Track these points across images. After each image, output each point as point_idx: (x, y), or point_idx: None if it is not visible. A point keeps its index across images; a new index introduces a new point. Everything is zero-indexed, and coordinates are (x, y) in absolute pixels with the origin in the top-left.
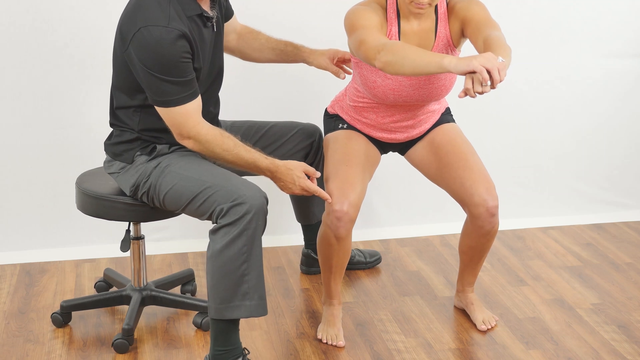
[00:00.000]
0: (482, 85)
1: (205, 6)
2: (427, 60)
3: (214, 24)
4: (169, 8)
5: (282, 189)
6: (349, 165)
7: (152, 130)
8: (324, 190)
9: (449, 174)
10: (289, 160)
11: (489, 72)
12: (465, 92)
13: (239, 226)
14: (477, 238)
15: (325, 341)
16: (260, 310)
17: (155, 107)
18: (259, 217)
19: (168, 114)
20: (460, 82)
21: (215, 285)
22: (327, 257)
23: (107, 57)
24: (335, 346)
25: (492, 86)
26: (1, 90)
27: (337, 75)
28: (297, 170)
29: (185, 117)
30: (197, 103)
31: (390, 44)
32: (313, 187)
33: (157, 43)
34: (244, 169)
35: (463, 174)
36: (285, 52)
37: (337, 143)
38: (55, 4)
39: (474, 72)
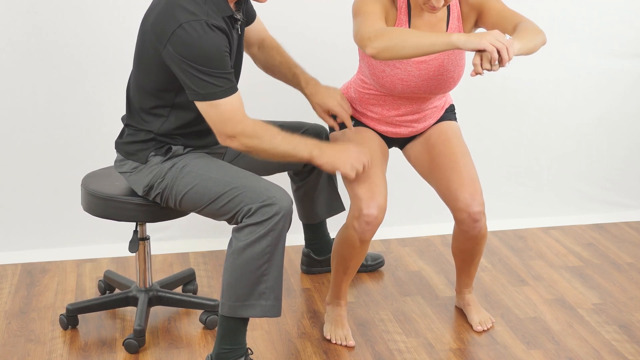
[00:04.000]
0: (491, 64)
1: (234, 8)
2: (432, 39)
3: (240, 27)
4: (205, 6)
5: (329, 171)
6: (369, 166)
7: (172, 131)
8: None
9: (437, 175)
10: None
11: (498, 52)
12: (474, 69)
13: (266, 226)
14: (464, 242)
15: (335, 342)
16: (275, 311)
17: (199, 103)
18: (286, 219)
19: (213, 109)
20: (465, 80)
21: (232, 282)
22: (345, 259)
23: (108, 57)
24: (346, 346)
25: (502, 64)
26: (2, 91)
27: (332, 125)
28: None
29: (230, 114)
30: (239, 97)
31: (384, 30)
32: (368, 159)
33: (201, 37)
34: (288, 157)
35: (450, 177)
36: (289, 81)
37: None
38: (56, 4)
39: (483, 51)
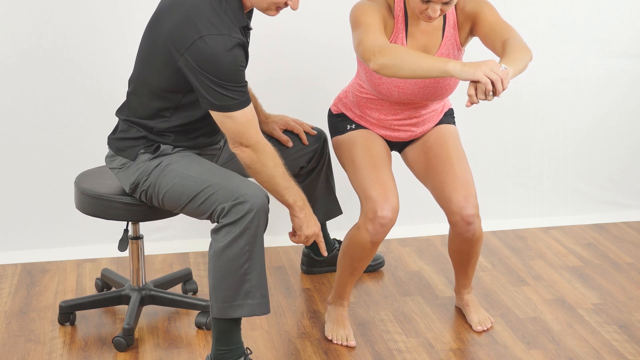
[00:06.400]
0: (485, 95)
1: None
2: (428, 65)
3: (249, 34)
4: (226, 17)
5: (295, 226)
6: (380, 168)
7: (167, 130)
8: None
9: (432, 178)
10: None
11: (493, 83)
12: (469, 99)
13: (241, 225)
14: (460, 244)
15: (336, 341)
16: (263, 308)
17: (214, 112)
18: (260, 216)
19: (229, 120)
20: (464, 83)
21: (217, 284)
22: (354, 260)
23: (108, 57)
24: (347, 346)
25: (496, 94)
26: (3, 91)
27: (285, 144)
28: (311, 216)
29: (246, 126)
30: (252, 109)
31: (387, 47)
32: (322, 239)
33: (221, 51)
34: (278, 191)
35: (445, 179)
36: None
37: (357, 146)
38: (55, 5)
39: (478, 81)
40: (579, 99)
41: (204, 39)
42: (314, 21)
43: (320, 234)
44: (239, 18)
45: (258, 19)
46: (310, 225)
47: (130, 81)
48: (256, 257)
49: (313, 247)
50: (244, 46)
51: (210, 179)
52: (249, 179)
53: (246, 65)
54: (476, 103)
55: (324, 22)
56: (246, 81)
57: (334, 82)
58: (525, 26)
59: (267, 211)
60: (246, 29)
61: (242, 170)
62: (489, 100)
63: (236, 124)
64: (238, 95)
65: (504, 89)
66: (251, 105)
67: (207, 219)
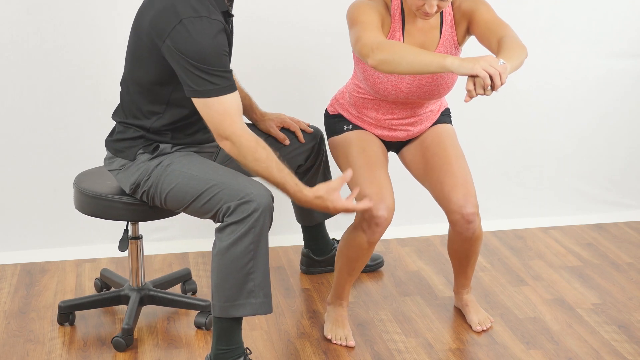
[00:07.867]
0: (484, 89)
1: (227, 3)
2: (427, 60)
3: (232, 22)
4: (207, 2)
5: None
6: (375, 168)
7: (163, 128)
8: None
9: (431, 177)
10: (316, 187)
11: (491, 77)
12: (468, 94)
13: (246, 224)
14: (459, 243)
15: (335, 342)
16: (266, 307)
17: (195, 100)
18: (265, 215)
19: (208, 108)
20: (462, 82)
21: (220, 283)
22: (351, 260)
23: (107, 57)
24: (346, 346)
25: (494, 89)
26: (3, 91)
27: (282, 142)
28: (328, 195)
29: (223, 115)
30: (235, 98)
31: (385, 43)
32: (351, 205)
33: (201, 34)
34: (271, 185)
35: (444, 178)
36: (245, 110)
37: (353, 147)
38: (55, 5)
39: (476, 76)
40: (579, 99)
41: (183, 23)
42: (314, 19)
43: (347, 204)
44: (219, 3)
45: (258, 16)
46: (320, 207)
47: (122, 82)
48: (260, 256)
49: (312, 247)
50: (225, 31)
51: (214, 177)
52: (254, 178)
53: (229, 51)
54: (474, 97)
55: (323, 21)
56: (230, 69)
57: (331, 83)
58: (525, 26)
59: (272, 210)
60: (227, 15)
61: (241, 168)
62: (487, 95)
63: (212, 112)
64: (218, 80)
65: (502, 84)
66: (234, 94)
67: (210, 218)
